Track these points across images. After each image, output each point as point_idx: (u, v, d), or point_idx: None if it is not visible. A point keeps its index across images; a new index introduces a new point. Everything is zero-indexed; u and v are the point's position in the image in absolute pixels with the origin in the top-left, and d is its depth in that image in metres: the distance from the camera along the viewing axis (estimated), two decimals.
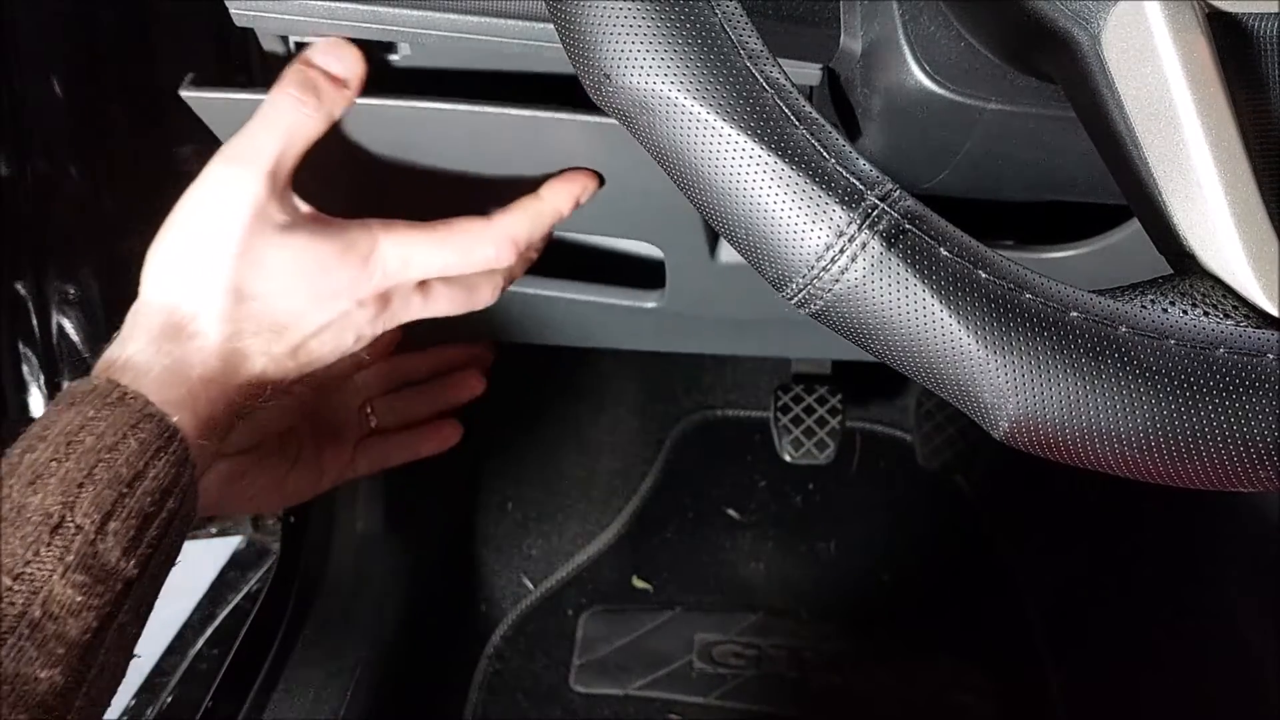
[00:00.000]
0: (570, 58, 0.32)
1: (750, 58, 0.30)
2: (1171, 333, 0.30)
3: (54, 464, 0.40)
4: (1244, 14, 0.31)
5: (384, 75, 0.50)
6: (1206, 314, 0.30)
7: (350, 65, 0.48)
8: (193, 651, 0.72)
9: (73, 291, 0.66)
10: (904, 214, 0.30)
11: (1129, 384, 0.30)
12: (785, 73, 0.31)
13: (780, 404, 1.01)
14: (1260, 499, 0.83)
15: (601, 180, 0.55)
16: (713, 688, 1.01)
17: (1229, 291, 0.31)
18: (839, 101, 0.48)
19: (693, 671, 1.02)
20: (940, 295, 0.30)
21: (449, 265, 0.53)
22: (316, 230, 0.49)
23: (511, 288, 0.60)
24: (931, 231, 0.30)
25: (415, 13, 0.45)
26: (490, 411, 0.74)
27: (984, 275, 0.30)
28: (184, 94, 0.49)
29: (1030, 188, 0.52)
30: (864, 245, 0.30)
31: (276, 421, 0.62)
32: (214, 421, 0.46)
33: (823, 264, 0.30)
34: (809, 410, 1.01)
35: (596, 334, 0.79)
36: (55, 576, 0.38)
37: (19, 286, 0.65)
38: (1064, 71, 0.33)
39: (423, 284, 0.54)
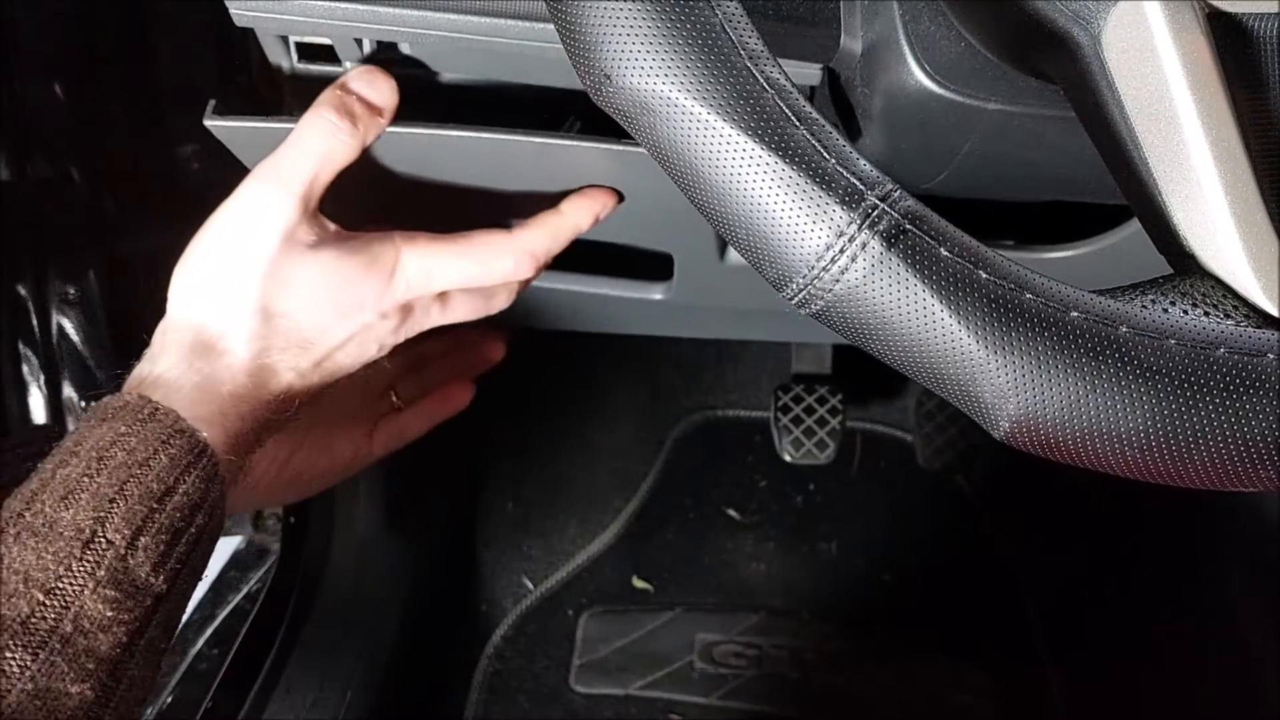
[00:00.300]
0: (570, 58, 0.32)
1: (750, 58, 0.30)
2: (1172, 333, 0.30)
3: (86, 479, 0.40)
4: (1244, 14, 0.31)
5: (410, 93, 0.50)
6: (1207, 314, 0.30)
7: (385, 94, 0.49)
8: (193, 651, 0.72)
9: (73, 292, 0.66)
10: (904, 214, 0.30)
11: (1129, 384, 0.30)
12: (785, 73, 0.31)
13: (780, 404, 1.01)
14: (1260, 499, 0.83)
15: (620, 198, 0.56)
16: (714, 688, 1.01)
17: (1229, 291, 0.31)
18: (839, 101, 0.48)
19: (694, 672, 1.02)
20: (940, 295, 0.30)
21: (470, 277, 0.53)
22: (341, 246, 0.50)
23: None
24: (932, 231, 0.30)
25: (415, 13, 0.45)
26: (491, 412, 0.74)
27: (984, 275, 0.30)
28: (208, 123, 0.50)
29: (1030, 188, 0.52)
30: (864, 245, 0.30)
31: None
32: (242, 436, 0.46)
33: (823, 264, 0.30)
34: (809, 410, 1.01)
35: (601, 321, 0.80)
36: (86, 592, 0.38)
37: (19, 287, 0.65)
38: (1064, 71, 0.33)
39: (442, 293, 0.54)
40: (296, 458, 0.62)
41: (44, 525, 0.39)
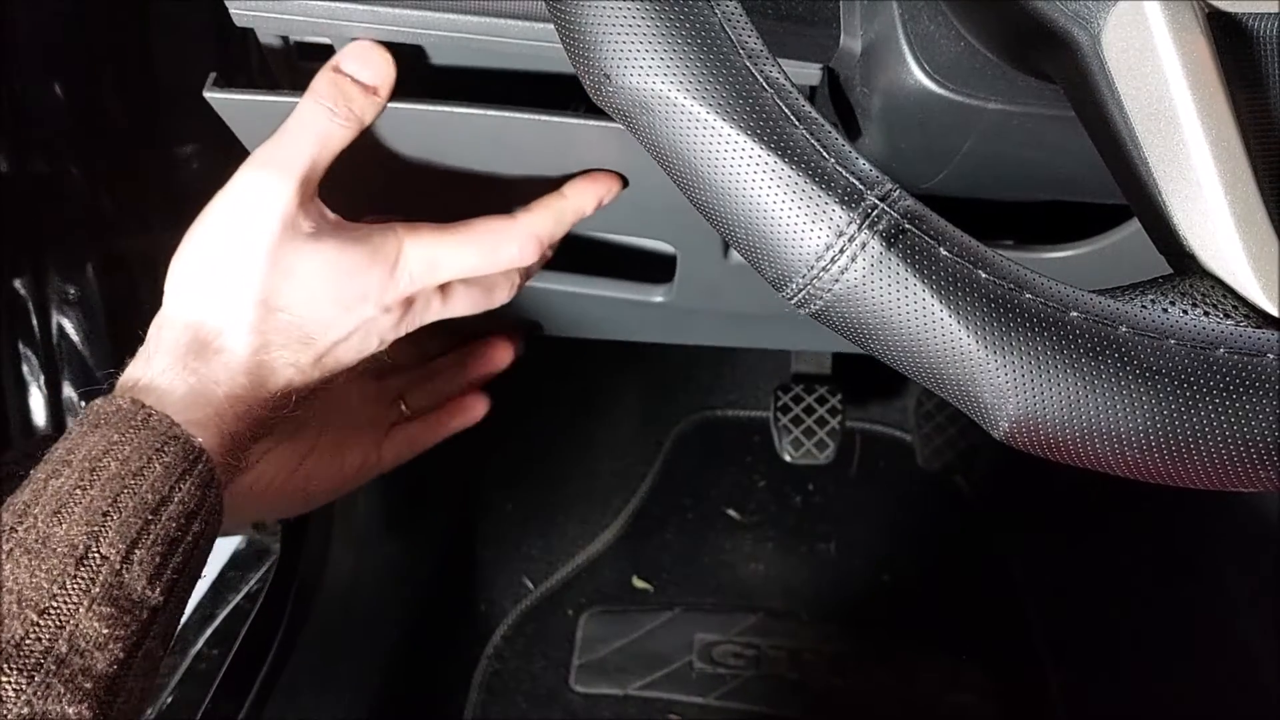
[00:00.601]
0: (570, 58, 0.32)
1: (750, 57, 0.30)
2: (1171, 333, 0.30)
3: (78, 492, 0.39)
4: (1244, 14, 0.31)
5: (408, 75, 0.50)
6: (1206, 314, 0.30)
7: (380, 71, 0.47)
8: (193, 651, 0.72)
9: (73, 291, 0.66)
10: (904, 214, 0.30)
11: (1129, 384, 0.30)
12: (785, 72, 0.31)
13: (780, 404, 1.01)
14: (1260, 499, 0.83)
15: (625, 182, 0.56)
16: (713, 688, 1.01)
17: (1229, 291, 0.31)
18: (838, 101, 0.48)
19: (693, 672, 1.02)
20: (940, 295, 0.30)
21: (475, 266, 0.52)
22: (343, 237, 0.48)
23: None
24: (931, 231, 0.30)
25: (415, 13, 0.45)
26: (490, 412, 0.74)
27: (984, 275, 0.30)
28: (208, 95, 0.48)
29: (1030, 188, 0.52)
30: (864, 245, 0.30)
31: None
32: (239, 437, 0.45)
33: (822, 264, 0.30)
34: (809, 410, 1.01)
35: (601, 326, 0.79)
36: (81, 610, 0.37)
37: (19, 286, 0.65)
38: (1064, 71, 0.33)
39: (443, 285, 0.53)
40: (305, 466, 0.61)
41: (36, 542, 0.38)
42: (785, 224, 0.30)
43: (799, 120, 0.30)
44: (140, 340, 0.47)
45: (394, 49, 0.48)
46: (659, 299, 0.70)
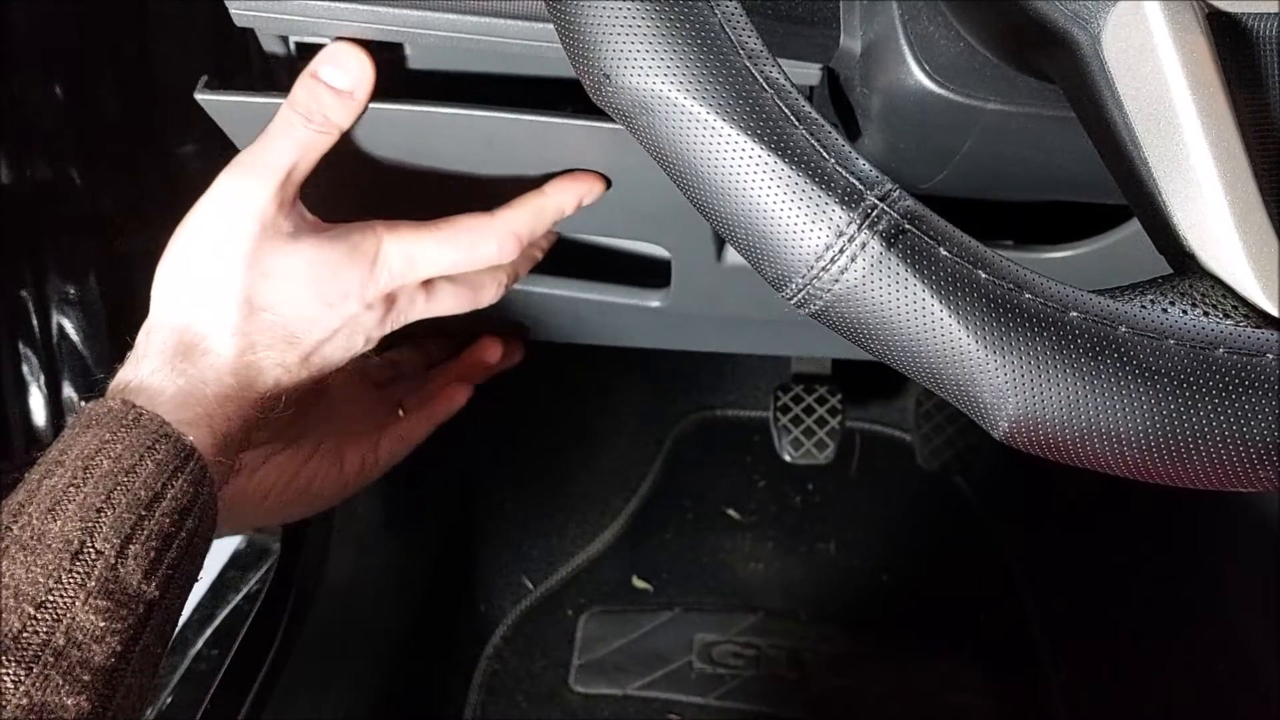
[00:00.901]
0: (570, 58, 0.32)
1: (750, 57, 0.30)
2: (1171, 333, 0.30)
3: (72, 489, 0.40)
4: (1244, 14, 0.31)
5: (391, 76, 0.50)
6: (1206, 314, 0.30)
7: (356, 75, 0.47)
8: (192, 651, 0.72)
9: (73, 292, 0.66)
10: (904, 214, 0.30)
11: (1129, 384, 0.30)
12: (785, 73, 0.31)
13: (780, 404, 1.01)
14: (1260, 499, 0.83)
15: (608, 184, 0.56)
16: (712, 688, 1.01)
17: (1229, 291, 0.31)
18: (838, 101, 0.48)
19: (692, 672, 1.02)
20: (940, 295, 0.30)
21: (454, 263, 0.53)
22: (322, 236, 0.49)
23: (514, 286, 0.60)
24: (931, 231, 0.30)
25: (415, 13, 0.45)
26: (490, 412, 0.74)
27: (984, 275, 0.30)
28: (199, 97, 0.49)
29: (1030, 188, 0.52)
30: (863, 245, 0.30)
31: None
32: (230, 437, 0.46)
33: (822, 264, 0.30)
34: (809, 410, 1.01)
35: (599, 332, 0.79)
36: (78, 604, 0.38)
37: (19, 288, 0.65)
38: (1064, 71, 0.33)
39: (427, 283, 0.54)
40: (306, 470, 0.62)
41: (32, 538, 0.38)
42: (785, 224, 0.30)
43: (799, 120, 0.30)
44: (130, 345, 0.47)
45: (373, 49, 0.48)
46: (656, 304, 0.70)
